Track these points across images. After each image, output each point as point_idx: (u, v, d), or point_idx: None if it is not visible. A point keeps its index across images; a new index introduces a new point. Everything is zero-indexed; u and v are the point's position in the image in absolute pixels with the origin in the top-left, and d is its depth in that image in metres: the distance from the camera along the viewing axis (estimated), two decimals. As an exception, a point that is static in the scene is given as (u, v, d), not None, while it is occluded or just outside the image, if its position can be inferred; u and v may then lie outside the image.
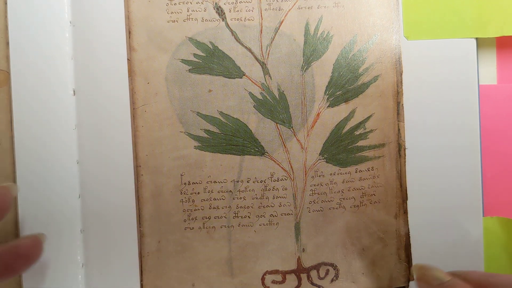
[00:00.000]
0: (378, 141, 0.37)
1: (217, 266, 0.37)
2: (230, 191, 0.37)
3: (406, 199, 0.37)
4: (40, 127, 0.36)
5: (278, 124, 0.37)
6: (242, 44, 0.37)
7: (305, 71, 0.37)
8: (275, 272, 0.37)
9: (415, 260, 0.37)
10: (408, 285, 0.38)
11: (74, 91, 0.36)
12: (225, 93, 0.37)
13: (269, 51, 0.37)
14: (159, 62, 0.36)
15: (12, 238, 0.36)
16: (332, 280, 0.37)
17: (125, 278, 0.36)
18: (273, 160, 0.37)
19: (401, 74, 0.37)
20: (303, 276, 0.37)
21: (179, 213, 0.37)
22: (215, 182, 0.37)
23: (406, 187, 0.37)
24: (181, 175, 0.37)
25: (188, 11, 0.36)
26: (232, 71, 0.36)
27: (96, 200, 0.36)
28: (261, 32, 0.37)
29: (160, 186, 0.37)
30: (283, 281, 0.37)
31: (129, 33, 0.36)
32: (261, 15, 0.37)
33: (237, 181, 0.37)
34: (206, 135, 0.37)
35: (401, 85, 0.37)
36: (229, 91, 0.37)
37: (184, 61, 0.36)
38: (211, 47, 0.36)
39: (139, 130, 0.36)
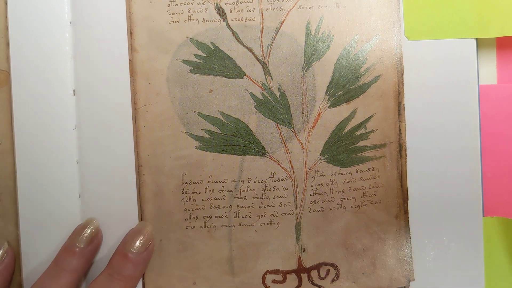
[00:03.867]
0: (379, 141, 0.37)
1: (218, 265, 0.37)
2: (231, 190, 0.37)
3: (407, 199, 0.38)
4: (40, 127, 0.36)
5: (279, 124, 0.37)
6: (243, 44, 0.36)
7: (306, 71, 0.37)
8: (276, 271, 0.37)
9: (416, 260, 0.38)
10: (408, 286, 0.38)
11: (74, 91, 0.36)
12: (226, 93, 0.37)
13: (270, 51, 0.37)
14: (160, 62, 0.36)
15: (12, 238, 0.36)
16: (332, 280, 0.38)
17: (126, 277, 0.36)
18: (274, 160, 0.37)
19: (402, 74, 0.37)
20: (304, 276, 0.37)
21: (180, 213, 0.37)
22: (216, 181, 0.37)
23: (406, 188, 0.38)
24: (182, 174, 0.37)
25: (189, 11, 0.36)
26: (233, 71, 0.36)
27: (96, 200, 0.36)
28: (262, 32, 0.37)
29: (161, 185, 0.37)
30: (283, 281, 0.37)
31: (130, 33, 0.36)
32: (262, 15, 0.36)
33: (238, 181, 0.37)
34: (207, 135, 0.37)
35: (402, 85, 0.37)
36: (230, 91, 0.37)
37: (185, 62, 0.36)
38: (212, 48, 0.36)
39: (140, 130, 0.36)
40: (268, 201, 0.37)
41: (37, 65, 0.35)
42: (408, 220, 0.38)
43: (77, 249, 0.34)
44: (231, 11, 0.36)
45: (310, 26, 0.37)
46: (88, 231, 0.35)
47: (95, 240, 0.35)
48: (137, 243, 0.35)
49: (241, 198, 0.37)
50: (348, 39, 0.37)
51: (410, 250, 0.38)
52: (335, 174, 0.37)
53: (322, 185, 0.37)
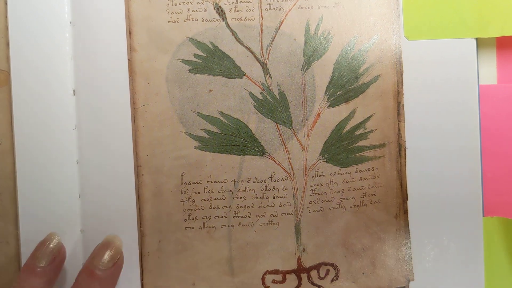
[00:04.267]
0: (379, 141, 0.37)
1: (218, 265, 0.37)
2: (231, 191, 0.37)
3: (406, 199, 0.38)
4: (40, 127, 0.36)
5: (278, 124, 0.37)
6: (243, 44, 0.37)
7: (305, 71, 0.37)
8: (275, 272, 0.37)
9: (416, 260, 0.38)
10: (408, 286, 0.38)
11: (74, 91, 0.36)
12: (226, 93, 0.37)
13: (269, 51, 0.37)
14: (159, 62, 0.36)
15: (12, 237, 0.36)
16: (332, 280, 0.37)
17: (125, 277, 0.36)
18: (273, 160, 0.37)
19: (402, 74, 0.37)
20: (303, 276, 0.37)
21: (179, 213, 0.37)
22: (215, 182, 0.37)
23: (406, 187, 0.37)
24: (182, 175, 0.37)
25: (188, 11, 0.36)
26: (233, 71, 0.36)
27: (96, 200, 0.36)
28: (261, 32, 0.37)
29: (160, 186, 0.37)
30: (283, 281, 0.37)
31: (129, 33, 0.36)
32: (262, 15, 0.36)
33: (238, 181, 0.37)
34: (206, 135, 0.37)
35: (402, 85, 0.37)
36: (230, 91, 0.37)
37: (184, 61, 0.36)
38: (212, 47, 0.36)
39: (139, 130, 0.36)
40: (268, 201, 0.37)
41: (37, 65, 0.36)
42: (408, 220, 0.38)
43: (39, 269, 0.32)
44: (230, 11, 0.36)
45: (310, 26, 0.37)
46: (50, 247, 0.33)
47: (58, 257, 0.33)
48: (105, 257, 0.33)
49: (240, 198, 0.37)
50: (347, 39, 0.37)
51: (409, 250, 0.38)
52: (334, 174, 0.37)
53: (321, 185, 0.37)
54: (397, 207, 0.38)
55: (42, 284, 0.32)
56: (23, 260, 0.36)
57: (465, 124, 0.37)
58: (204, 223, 0.37)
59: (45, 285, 0.32)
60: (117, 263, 0.34)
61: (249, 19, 0.36)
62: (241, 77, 0.37)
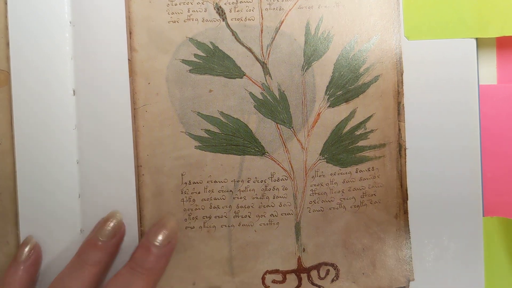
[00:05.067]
0: (379, 141, 0.37)
1: (218, 265, 0.37)
2: (231, 190, 0.37)
3: (407, 199, 0.38)
4: (40, 127, 0.36)
5: (278, 124, 0.37)
6: (243, 44, 0.36)
7: (305, 71, 0.37)
8: (276, 271, 0.37)
9: (416, 260, 0.38)
10: (408, 286, 0.38)
11: (74, 91, 0.36)
12: (226, 93, 0.37)
13: (269, 51, 0.37)
14: (160, 62, 0.36)
15: (12, 237, 0.36)
16: (332, 280, 0.37)
17: (125, 277, 0.36)
18: (274, 160, 0.37)
19: (402, 74, 0.37)
20: (304, 276, 0.37)
21: (180, 213, 0.37)
22: (215, 181, 0.37)
23: (406, 187, 0.37)
24: (182, 174, 0.37)
25: (188, 11, 0.36)
26: (233, 71, 0.36)
27: (96, 200, 0.36)
28: (261, 32, 0.37)
29: (161, 185, 0.37)
30: (283, 281, 0.37)
31: (129, 33, 0.36)
32: (262, 15, 0.36)
33: (238, 181, 0.37)
34: (206, 135, 0.37)
35: (402, 85, 0.37)
36: (230, 91, 0.37)
37: (184, 62, 0.36)
38: (212, 47, 0.36)
39: (140, 130, 0.36)
40: (268, 201, 0.37)
41: (37, 65, 0.35)
42: (408, 220, 0.38)
43: (100, 243, 0.34)
44: (230, 11, 0.36)
45: (310, 26, 0.37)
46: (111, 225, 0.35)
47: (118, 233, 0.35)
48: (160, 236, 0.35)
49: (240, 198, 0.37)
50: (347, 39, 0.37)
51: (409, 250, 0.38)
52: (334, 174, 0.37)
53: (321, 185, 0.37)
54: (397, 207, 0.38)
55: (103, 257, 0.34)
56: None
57: (465, 124, 0.37)
58: (204, 223, 0.37)
59: (106, 259, 0.34)
60: (171, 242, 0.35)
61: (249, 19, 0.36)
62: (241, 77, 0.37)
